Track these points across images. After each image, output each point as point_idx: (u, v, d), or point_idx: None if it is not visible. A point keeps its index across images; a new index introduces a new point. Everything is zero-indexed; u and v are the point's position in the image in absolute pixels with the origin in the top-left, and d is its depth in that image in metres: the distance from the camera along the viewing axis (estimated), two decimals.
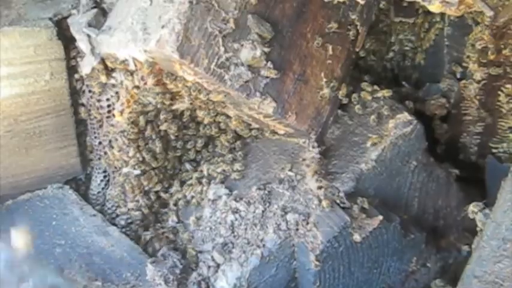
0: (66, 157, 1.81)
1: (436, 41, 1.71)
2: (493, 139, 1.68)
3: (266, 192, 1.50)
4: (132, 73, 1.56)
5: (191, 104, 1.53)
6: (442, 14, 1.65)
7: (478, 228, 1.28)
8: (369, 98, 1.56)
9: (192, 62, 1.33)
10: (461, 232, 1.62)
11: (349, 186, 1.43)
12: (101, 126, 1.79)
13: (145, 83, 1.52)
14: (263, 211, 1.47)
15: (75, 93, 1.81)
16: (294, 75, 1.46)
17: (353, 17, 1.53)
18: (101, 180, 1.85)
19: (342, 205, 1.39)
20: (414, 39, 1.75)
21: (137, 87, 1.57)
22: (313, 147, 1.48)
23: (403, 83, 1.75)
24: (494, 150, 1.67)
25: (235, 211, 1.51)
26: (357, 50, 1.56)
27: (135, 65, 1.50)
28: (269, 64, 1.41)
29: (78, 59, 1.77)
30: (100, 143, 1.81)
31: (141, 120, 1.61)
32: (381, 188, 1.48)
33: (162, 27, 1.32)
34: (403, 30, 1.74)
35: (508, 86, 1.55)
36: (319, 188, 1.42)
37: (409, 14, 1.68)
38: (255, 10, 1.39)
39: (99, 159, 1.83)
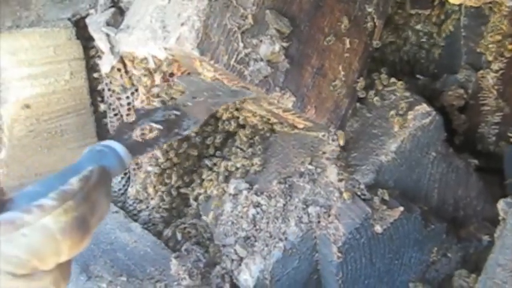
0: None
1: (452, 31, 1.71)
2: (511, 128, 1.68)
3: (287, 186, 1.52)
4: (151, 71, 1.59)
5: None
6: (459, 5, 1.65)
7: (500, 217, 1.29)
8: (386, 90, 1.56)
9: (212, 58, 1.34)
10: (481, 222, 1.62)
11: (369, 178, 1.44)
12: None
13: (166, 80, 1.54)
14: (284, 204, 1.48)
15: (94, 92, 1.84)
16: (312, 69, 1.47)
17: (369, 10, 1.54)
18: (122, 178, 1.87)
19: (362, 197, 1.40)
20: (430, 31, 1.75)
21: (157, 85, 1.60)
22: (333, 140, 1.49)
23: (418, 75, 1.75)
24: None
25: (257, 205, 1.53)
26: (374, 42, 1.57)
27: (155, 63, 1.51)
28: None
29: (97, 58, 1.80)
30: None
31: None
32: (400, 179, 1.48)
33: (182, 24, 1.33)
34: (418, 22, 1.74)
35: None
36: (340, 180, 1.43)
37: (424, 6, 1.68)
38: (273, 5, 1.40)
39: None
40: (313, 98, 1.48)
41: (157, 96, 1.62)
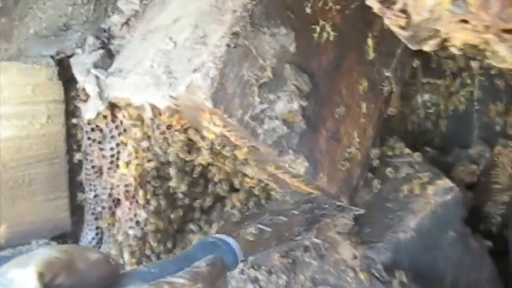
0: (55, 210, 1.62)
1: (461, 104, 1.64)
2: None
3: (290, 260, 1.35)
4: (143, 121, 1.42)
5: (212, 158, 1.39)
6: (472, 76, 1.59)
7: None
8: (399, 161, 1.45)
9: (226, 112, 1.19)
10: None
11: (385, 257, 1.30)
12: (98, 177, 1.62)
13: (162, 132, 1.37)
14: (287, 282, 1.31)
15: (70, 140, 1.64)
16: (327, 133, 1.34)
17: (387, 74, 1.44)
18: (93, 238, 1.65)
19: (381, 279, 1.25)
20: (439, 102, 1.67)
21: (149, 136, 1.43)
22: None
23: (426, 148, 1.65)
24: None
25: (254, 280, 1.35)
26: (389, 109, 1.46)
27: (153, 113, 1.35)
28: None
29: (77, 103, 1.62)
30: (96, 196, 1.62)
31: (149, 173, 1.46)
32: (416, 260, 1.35)
33: (194, 71, 1.18)
34: (427, 92, 1.66)
35: None
36: (354, 258, 1.27)
37: (438, 75, 1.61)
38: (292, 59, 1.27)
39: (92, 214, 1.64)
40: (326, 164, 1.34)
41: (148, 150, 1.45)
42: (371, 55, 1.41)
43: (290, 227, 1.13)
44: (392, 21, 0.83)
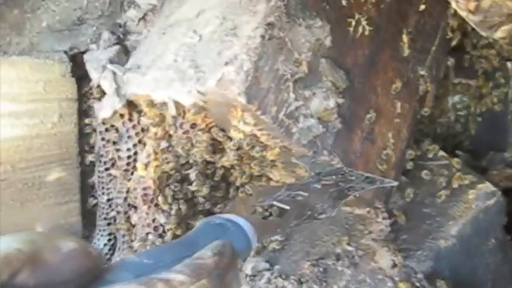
0: (65, 215, 1.53)
1: (493, 106, 1.57)
2: None
3: (321, 269, 1.26)
4: (165, 119, 1.33)
5: (237, 160, 1.30)
6: (506, 77, 1.52)
7: None
8: (435, 164, 1.37)
9: (260, 108, 1.10)
10: None
11: (426, 265, 1.22)
12: (112, 180, 1.52)
13: (185, 131, 1.28)
14: None
15: (82, 141, 1.55)
16: (362, 133, 1.26)
17: (422, 72, 1.37)
18: (105, 244, 1.56)
19: None
20: (469, 104, 1.59)
21: (170, 136, 1.34)
22: (383, 218, 1.26)
23: (457, 151, 1.57)
24: None
25: None
26: (424, 110, 1.39)
27: (177, 109, 1.26)
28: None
29: (91, 101, 1.53)
30: (109, 200, 1.53)
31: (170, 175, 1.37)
32: (456, 268, 1.27)
33: (226, 64, 1.10)
34: (458, 93, 1.59)
35: None
36: (393, 267, 1.19)
37: (470, 75, 1.54)
38: (328, 54, 1.19)
39: (105, 219, 1.55)
40: (360, 167, 1.26)
41: (168, 151, 1.36)
42: (406, 52, 1.34)
43: (312, 204, 0.97)
44: (460, 4, 0.75)
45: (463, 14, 0.78)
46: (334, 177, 1.02)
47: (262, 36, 1.10)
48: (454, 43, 1.44)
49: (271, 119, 1.12)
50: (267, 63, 1.11)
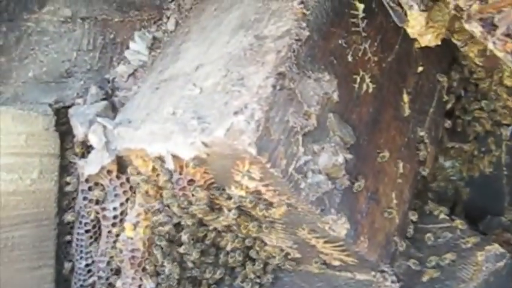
0: (38, 281, 1.40)
1: (485, 170, 1.56)
2: None
3: None
4: (158, 175, 1.25)
5: (235, 220, 1.22)
6: (498, 141, 1.53)
7: None
8: (438, 227, 1.34)
9: (269, 161, 1.04)
10: None
11: None
12: (93, 243, 1.41)
13: (182, 188, 1.20)
14: None
15: (62, 200, 1.44)
16: (367, 192, 1.22)
17: (421, 133, 1.35)
18: None
19: None
20: (461, 169, 1.59)
21: (161, 195, 1.25)
22: (392, 281, 1.19)
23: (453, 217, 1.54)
24: None
25: None
26: (423, 170, 1.36)
27: (174, 164, 1.19)
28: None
29: (72, 158, 1.44)
30: (87, 265, 1.41)
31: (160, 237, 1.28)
32: None
33: (235, 113, 1.04)
34: (451, 157, 1.58)
35: None
36: None
37: (464, 140, 1.54)
38: (335, 109, 1.16)
39: (81, 286, 1.42)
40: (366, 227, 1.21)
41: (159, 211, 1.27)
42: (406, 112, 1.33)
43: None
44: (497, 46, 0.74)
45: (500, 55, 0.77)
46: None
47: (274, 86, 1.06)
48: (449, 106, 1.44)
49: (280, 172, 1.06)
50: (278, 113, 1.06)
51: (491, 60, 1.23)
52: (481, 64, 1.27)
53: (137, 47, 1.50)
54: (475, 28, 0.77)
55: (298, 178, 1.09)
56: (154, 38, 1.52)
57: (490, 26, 0.76)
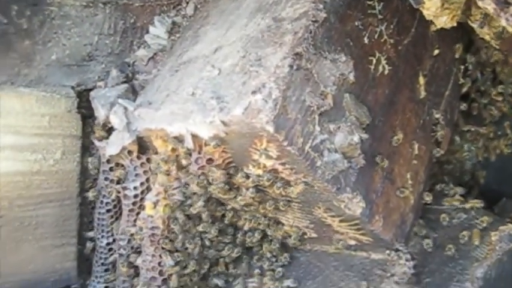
0: (61, 259, 1.43)
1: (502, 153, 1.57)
2: None
3: None
4: (178, 155, 1.28)
5: (253, 199, 1.25)
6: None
7: None
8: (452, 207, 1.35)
9: (286, 139, 1.07)
10: None
11: None
12: (114, 222, 1.45)
13: (201, 167, 1.23)
14: None
15: (84, 180, 1.48)
16: (382, 172, 1.23)
17: (437, 115, 1.37)
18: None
19: None
20: (478, 152, 1.59)
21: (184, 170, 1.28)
22: (406, 260, 1.21)
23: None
24: None
25: None
26: (437, 151, 1.37)
27: (193, 143, 1.22)
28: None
29: (93, 139, 1.48)
30: (108, 243, 1.45)
31: (180, 216, 1.31)
32: None
33: (253, 92, 1.07)
34: (467, 141, 1.59)
35: None
36: None
37: (479, 123, 1.54)
38: (351, 90, 1.18)
39: (102, 264, 1.46)
40: (381, 206, 1.23)
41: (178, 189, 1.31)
42: (422, 94, 1.34)
43: None
44: (510, 22, 0.75)
45: None
46: None
47: (291, 66, 1.08)
48: (464, 89, 1.45)
49: (297, 150, 1.08)
50: (295, 93, 1.08)
51: (507, 43, 1.23)
52: (497, 47, 1.27)
53: (157, 32, 1.53)
54: (488, 5, 0.78)
55: (315, 156, 1.11)
56: (173, 23, 1.55)
57: (503, 3, 0.77)
